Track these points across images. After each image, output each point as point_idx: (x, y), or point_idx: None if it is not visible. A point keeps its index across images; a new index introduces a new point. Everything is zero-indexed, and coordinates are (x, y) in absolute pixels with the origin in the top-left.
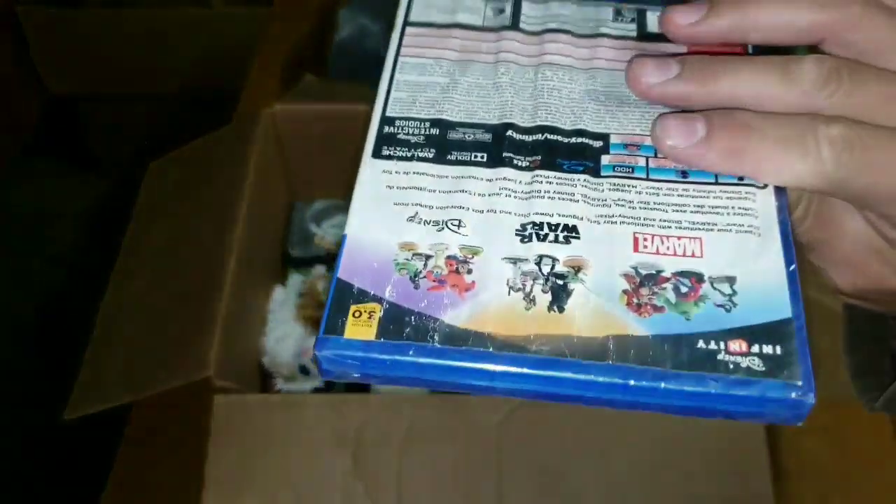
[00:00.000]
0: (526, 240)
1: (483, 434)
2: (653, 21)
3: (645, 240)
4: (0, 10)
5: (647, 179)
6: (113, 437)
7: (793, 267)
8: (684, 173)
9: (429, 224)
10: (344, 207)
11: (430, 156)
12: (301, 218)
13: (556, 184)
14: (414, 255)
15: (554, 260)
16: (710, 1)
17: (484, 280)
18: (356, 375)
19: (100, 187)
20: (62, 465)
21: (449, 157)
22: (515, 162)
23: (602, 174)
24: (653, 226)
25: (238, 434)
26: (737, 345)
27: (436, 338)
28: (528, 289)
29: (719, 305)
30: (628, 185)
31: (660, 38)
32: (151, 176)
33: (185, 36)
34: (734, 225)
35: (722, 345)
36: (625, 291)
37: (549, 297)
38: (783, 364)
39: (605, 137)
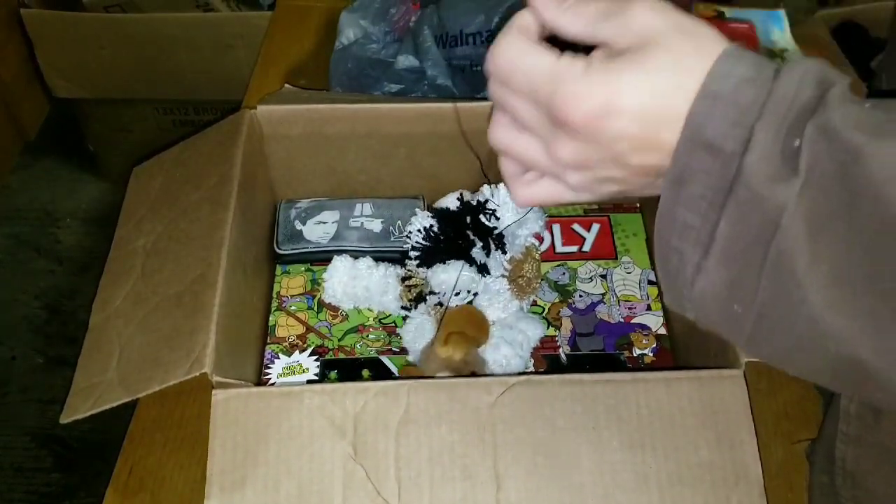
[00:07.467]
0: None
1: (477, 415)
2: None
3: None
4: (5, 13)
5: None
6: (117, 432)
7: None
8: None
9: None
10: (327, 206)
11: None
12: (287, 216)
13: None
14: None
15: None
16: None
17: None
18: None
19: (102, 188)
20: (66, 460)
21: None
22: None
23: None
24: None
25: (238, 426)
26: None
27: None
28: None
29: None
30: None
31: None
32: (136, 179)
33: (187, 40)
34: None
35: None
36: None
37: None
38: None
39: None
